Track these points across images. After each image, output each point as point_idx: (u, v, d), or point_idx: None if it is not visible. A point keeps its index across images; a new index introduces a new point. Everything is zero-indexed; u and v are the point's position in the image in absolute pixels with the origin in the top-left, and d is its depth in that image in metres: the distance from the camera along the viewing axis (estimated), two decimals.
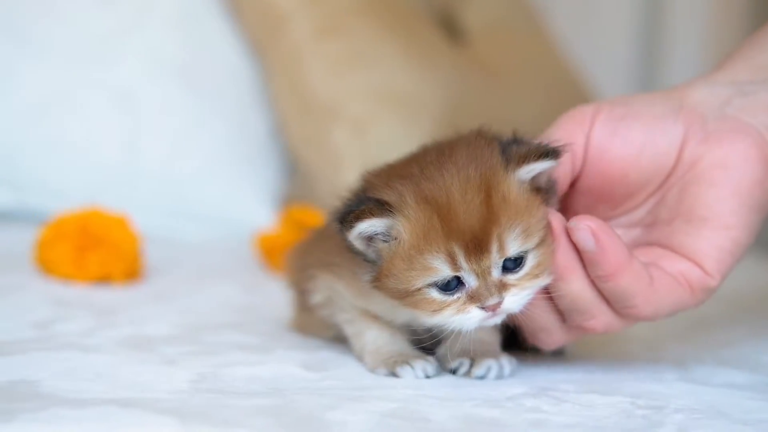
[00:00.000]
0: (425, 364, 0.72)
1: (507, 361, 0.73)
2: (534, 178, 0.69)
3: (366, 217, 0.67)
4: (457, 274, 0.67)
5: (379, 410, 0.63)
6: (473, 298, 0.67)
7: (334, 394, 0.66)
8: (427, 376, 0.71)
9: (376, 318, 0.74)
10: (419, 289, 0.67)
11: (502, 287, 0.67)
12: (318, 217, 1.18)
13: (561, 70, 1.78)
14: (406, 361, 0.72)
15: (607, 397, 0.69)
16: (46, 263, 1.03)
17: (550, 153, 0.69)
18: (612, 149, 0.73)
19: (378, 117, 1.50)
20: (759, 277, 1.26)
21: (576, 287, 0.70)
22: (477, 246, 0.66)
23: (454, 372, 0.73)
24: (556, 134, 0.73)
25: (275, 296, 1.01)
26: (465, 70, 1.62)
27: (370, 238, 0.68)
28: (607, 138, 0.74)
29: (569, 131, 0.74)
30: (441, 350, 0.75)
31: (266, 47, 1.55)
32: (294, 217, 1.23)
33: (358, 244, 0.68)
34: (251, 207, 1.47)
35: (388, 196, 0.68)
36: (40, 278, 1.03)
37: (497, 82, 1.64)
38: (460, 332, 0.69)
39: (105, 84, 1.46)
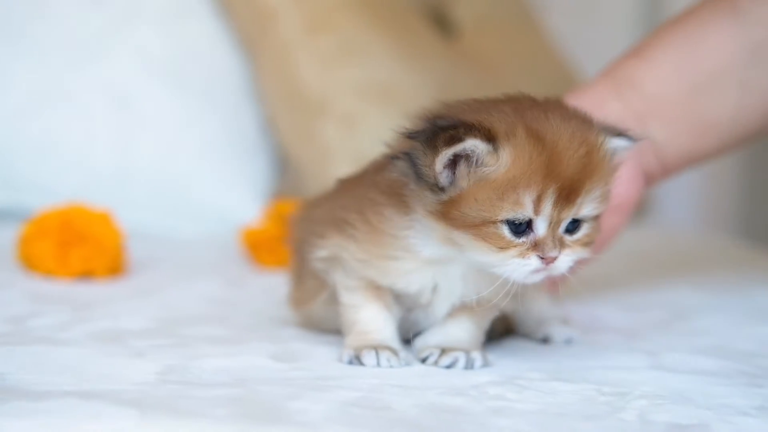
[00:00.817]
0: (390, 356, 0.72)
1: (479, 355, 0.74)
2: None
3: (471, 137, 0.66)
4: (536, 217, 0.67)
5: (341, 399, 0.63)
6: (536, 246, 0.68)
7: (298, 384, 0.66)
8: (391, 367, 0.72)
9: (378, 294, 0.74)
10: (495, 222, 0.67)
11: (562, 244, 0.69)
12: None
13: (553, 64, 1.78)
14: (374, 348, 0.72)
15: (573, 385, 0.69)
16: (29, 259, 1.04)
17: (631, 137, 0.72)
18: None
19: (367, 111, 1.50)
20: (742, 267, 1.26)
21: None
22: (568, 195, 0.68)
23: (423, 361, 0.74)
24: None
25: (256, 290, 1.02)
26: (455, 64, 1.62)
27: (454, 162, 0.67)
28: None
29: None
30: (419, 340, 0.76)
31: (256, 44, 1.55)
32: (279, 212, 1.24)
33: (441, 166, 0.67)
34: (243, 203, 1.48)
35: (496, 123, 0.67)
36: (23, 274, 1.03)
37: (488, 76, 1.64)
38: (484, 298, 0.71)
39: (96, 83, 1.46)
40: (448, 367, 0.72)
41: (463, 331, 0.75)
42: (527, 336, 0.84)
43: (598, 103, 0.89)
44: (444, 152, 0.67)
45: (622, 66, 0.93)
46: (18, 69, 1.43)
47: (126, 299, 0.95)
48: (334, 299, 0.76)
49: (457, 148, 0.66)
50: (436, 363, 0.73)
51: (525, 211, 0.67)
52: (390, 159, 0.71)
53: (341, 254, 0.74)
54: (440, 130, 0.67)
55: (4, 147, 1.40)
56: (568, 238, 0.69)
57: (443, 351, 0.73)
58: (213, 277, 1.08)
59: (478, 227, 0.67)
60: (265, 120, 1.57)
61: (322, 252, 0.75)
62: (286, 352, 0.75)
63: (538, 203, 0.67)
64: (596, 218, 0.70)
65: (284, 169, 1.59)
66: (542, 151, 0.67)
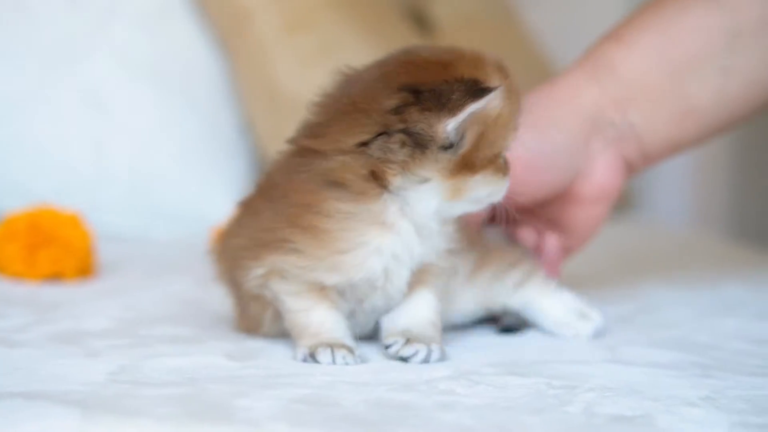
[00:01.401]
0: (346, 354, 0.72)
1: (437, 348, 0.74)
2: None
3: (478, 96, 0.68)
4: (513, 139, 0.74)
5: (289, 396, 0.63)
6: (506, 165, 0.74)
7: (248, 382, 0.66)
8: (346, 364, 0.72)
9: (324, 294, 0.73)
10: (500, 154, 0.73)
11: None
12: None
13: (535, 62, 1.78)
14: (329, 346, 0.72)
15: (524, 379, 0.69)
16: None
17: None
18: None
19: None
20: (717, 262, 1.26)
21: None
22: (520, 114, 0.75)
23: (387, 348, 0.74)
24: None
25: (222, 290, 1.02)
26: None
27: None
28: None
29: None
30: (386, 321, 0.75)
31: (233, 43, 1.56)
32: None
33: (456, 128, 0.69)
34: (221, 204, 1.48)
35: (480, 71, 0.71)
36: None
37: None
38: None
39: (73, 83, 1.47)
40: (406, 359, 0.72)
41: (428, 309, 0.75)
42: (550, 333, 0.84)
43: (574, 90, 0.89)
44: (466, 109, 0.68)
45: (599, 50, 0.91)
46: None
47: (91, 300, 0.95)
48: (279, 314, 0.76)
49: (480, 103, 0.69)
50: (398, 353, 0.73)
51: (515, 135, 0.73)
52: (360, 143, 0.70)
53: (281, 266, 0.73)
54: (443, 93, 0.68)
55: None
56: None
57: (408, 340, 0.73)
58: (182, 278, 1.09)
59: (493, 162, 0.72)
60: (245, 120, 1.57)
61: (258, 271, 0.74)
62: (242, 351, 0.75)
63: (517, 126, 0.73)
64: None
65: (263, 168, 1.59)
66: (508, 80, 0.71)
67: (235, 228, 0.79)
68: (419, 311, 0.75)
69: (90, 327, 0.82)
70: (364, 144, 0.70)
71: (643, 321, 0.90)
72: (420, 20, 1.73)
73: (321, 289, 0.73)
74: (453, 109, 0.68)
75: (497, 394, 0.66)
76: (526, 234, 0.91)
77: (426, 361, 0.73)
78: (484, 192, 0.72)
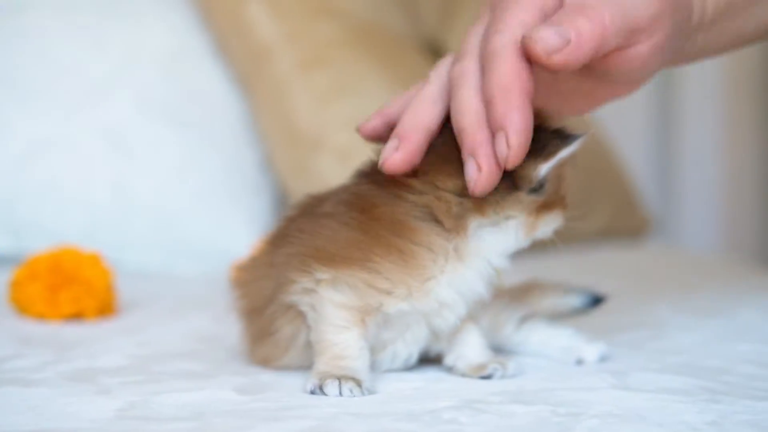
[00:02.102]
0: (353, 386, 0.73)
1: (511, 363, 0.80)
2: None
3: (573, 141, 0.72)
4: None
5: (294, 428, 0.64)
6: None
7: (255, 416, 0.67)
8: (353, 396, 0.72)
9: (364, 320, 0.75)
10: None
11: None
12: None
13: None
14: (338, 378, 0.73)
15: (530, 407, 0.69)
16: (20, 303, 1.06)
17: None
18: None
19: (363, 145, 1.51)
20: (729, 287, 1.25)
21: None
22: None
23: (488, 377, 0.78)
24: None
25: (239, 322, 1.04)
26: None
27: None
28: None
29: None
30: (451, 360, 0.79)
31: (252, 82, 1.58)
32: None
33: (545, 174, 0.73)
34: (243, 240, 1.50)
35: (559, 123, 0.75)
36: (15, 318, 1.06)
37: None
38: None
39: (96, 126, 1.50)
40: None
41: (482, 337, 0.80)
42: (557, 360, 0.84)
43: None
44: (557, 155, 0.72)
45: None
46: (19, 116, 1.47)
47: (109, 338, 0.97)
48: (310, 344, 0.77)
49: (570, 148, 0.72)
50: (503, 376, 0.78)
51: None
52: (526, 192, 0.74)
53: (346, 279, 0.74)
54: (539, 140, 0.72)
55: (6, 193, 1.44)
56: None
57: (501, 363, 0.78)
58: (201, 314, 1.10)
59: (564, 200, 0.76)
60: (265, 157, 1.59)
61: (308, 281, 0.75)
62: (253, 385, 0.76)
63: None
64: None
65: (284, 205, 1.61)
66: None
67: (284, 240, 0.80)
68: (478, 341, 0.80)
69: (104, 365, 0.84)
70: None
71: (653, 347, 0.90)
72: (436, 53, 1.74)
73: (367, 313, 0.75)
74: (547, 155, 0.72)
75: (501, 422, 0.66)
76: None
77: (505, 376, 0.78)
78: (550, 228, 0.76)
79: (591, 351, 0.84)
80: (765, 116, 2.15)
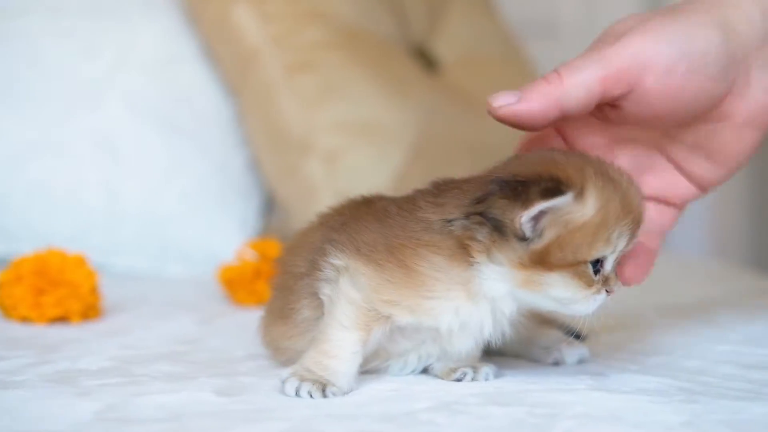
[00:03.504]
0: (313, 389, 0.73)
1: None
2: None
3: (553, 195, 0.70)
4: (610, 253, 0.73)
5: (271, 429, 0.64)
6: (605, 281, 0.74)
7: (232, 417, 0.67)
8: (324, 397, 0.73)
9: (370, 325, 0.75)
10: (586, 262, 0.72)
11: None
12: (278, 248, 1.20)
13: None
14: (299, 379, 0.74)
15: (506, 408, 0.70)
16: (4, 305, 1.06)
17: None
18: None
19: (350, 148, 1.52)
20: (713, 288, 1.26)
21: None
22: (634, 230, 0.74)
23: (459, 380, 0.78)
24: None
25: (225, 327, 1.04)
26: (439, 99, 1.63)
27: (538, 216, 0.71)
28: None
29: None
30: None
31: (240, 85, 1.58)
32: (262, 250, 1.25)
33: (528, 222, 0.71)
34: (231, 243, 1.50)
35: (572, 173, 0.72)
36: (0, 321, 1.06)
37: (471, 109, 1.66)
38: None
39: (86, 129, 1.50)
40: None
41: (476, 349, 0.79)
42: (537, 361, 0.85)
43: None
44: (536, 206, 0.70)
45: None
46: (9, 119, 1.47)
47: (93, 341, 0.97)
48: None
49: (552, 202, 0.70)
50: (473, 379, 0.78)
51: (610, 249, 0.72)
52: (445, 220, 0.74)
53: (360, 279, 0.75)
54: (521, 185, 0.71)
55: (0, 196, 1.44)
56: None
57: (473, 368, 0.78)
58: (186, 316, 1.10)
59: (574, 267, 0.72)
60: (253, 160, 1.59)
61: (339, 260, 0.76)
62: (232, 387, 0.76)
63: (617, 240, 0.72)
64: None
65: (272, 208, 1.61)
66: (617, 191, 0.72)
67: (330, 221, 0.82)
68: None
69: (85, 367, 0.84)
70: (449, 221, 0.74)
71: (634, 348, 0.90)
72: (423, 57, 1.75)
73: (374, 321, 0.75)
74: (525, 203, 0.71)
75: (478, 423, 0.66)
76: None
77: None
78: (562, 293, 0.73)
79: (570, 353, 0.84)
80: None
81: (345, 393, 0.74)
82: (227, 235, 1.52)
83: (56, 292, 1.05)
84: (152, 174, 1.52)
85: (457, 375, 0.78)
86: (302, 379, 0.73)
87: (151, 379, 0.79)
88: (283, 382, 0.74)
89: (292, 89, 1.53)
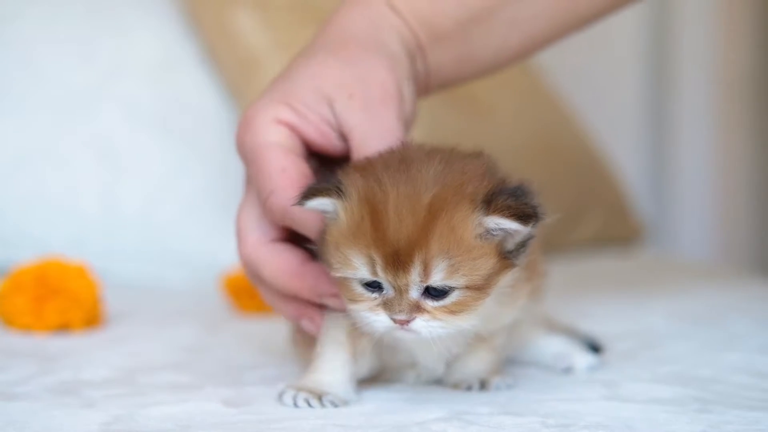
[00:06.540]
0: (309, 397, 0.72)
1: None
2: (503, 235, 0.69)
3: (318, 195, 0.70)
4: (376, 279, 0.68)
5: None
6: (386, 305, 0.69)
7: (240, 428, 0.66)
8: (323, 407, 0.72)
9: (354, 342, 0.74)
10: (342, 276, 0.69)
11: (417, 308, 0.68)
12: None
13: (550, 104, 1.78)
14: (295, 389, 0.73)
15: (519, 418, 0.69)
16: (5, 315, 1.05)
17: (526, 217, 0.68)
18: None
19: None
20: (721, 294, 1.25)
21: None
22: (396, 262, 0.67)
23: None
24: None
25: (230, 336, 1.03)
26: (446, 106, 1.62)
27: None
28: None
29: None
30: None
31: (241, 91, 1.57)
32: None
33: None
34: (232, 250, 1.48)
35: (344, 182, 0.70)
36: (1, 330, 1.05)
37: (481, 117, 1.65)
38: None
39: (83, 136, 1.49)
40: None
41: (484, 357, 0.78)
42: (548, 368, 0.84)
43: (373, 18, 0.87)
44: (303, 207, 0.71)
45: None
46: (6, 126, 1.46)
47: (95, 350, 0.95)
48: None
49: (311, 204, 0.70)
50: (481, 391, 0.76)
51: (361, 273, 0.68)
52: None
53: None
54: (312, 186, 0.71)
55: None
56: (430, 303, 0.68)
57: (482, 380, 0.77)
58: (189, 325, 1.09)
59: (336, 277, 0.71)
60: None
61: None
62: (240, 397, 0.75)
63: (371, 266, 0.68)
64: (471, 290, 0.68)
65: None
66: (366, 213, 0.68)
67: None
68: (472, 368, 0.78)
69: (89, 377, 0.83)
70: None
71: (646, 356, 0.89)
72: None
73: (358, 337, 0.74)
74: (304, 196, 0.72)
75: None
76: None
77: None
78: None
79: (581, 359, 0.83)
80: (758, 123, 2.15)
81: (345, 402, 0.73)
82: (227, 242, 1.51)
83: (58, 301, 1.04)
84: (151, 180, 1.50)
85: (466, 385, 0.77)
86: (298, 389, 0.73)
87: (156, 389, 0.78)
88: (281, 394, 0.73)
89: None
